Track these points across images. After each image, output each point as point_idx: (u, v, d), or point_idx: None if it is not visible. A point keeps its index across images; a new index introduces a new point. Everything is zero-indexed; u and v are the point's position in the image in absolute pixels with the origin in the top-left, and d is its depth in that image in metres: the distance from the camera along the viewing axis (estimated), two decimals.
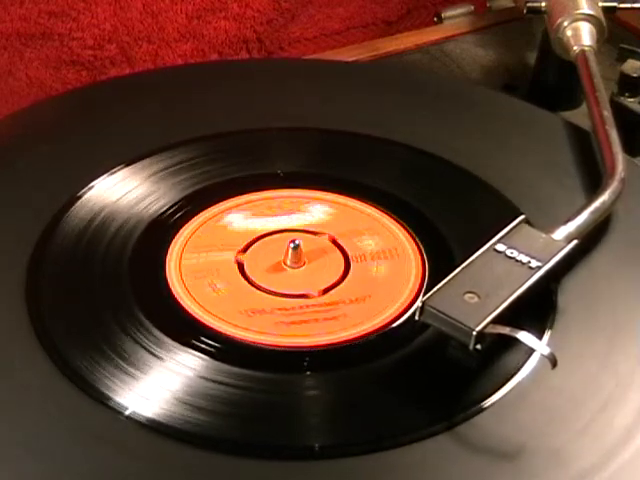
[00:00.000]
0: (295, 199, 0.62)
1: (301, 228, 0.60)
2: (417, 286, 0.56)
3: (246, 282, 0.56)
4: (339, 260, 0.58)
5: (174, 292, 0.55)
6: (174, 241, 0.58)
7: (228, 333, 0.53)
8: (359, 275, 0.57)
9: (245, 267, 0.57)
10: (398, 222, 0.60)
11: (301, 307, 0.55)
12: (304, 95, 0.71)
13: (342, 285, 0.56)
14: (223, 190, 0.62)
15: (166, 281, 0.56)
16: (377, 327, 0.54)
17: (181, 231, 0.59)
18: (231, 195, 0.62)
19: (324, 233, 0.59)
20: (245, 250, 0.58)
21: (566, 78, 0.76)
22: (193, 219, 0.60)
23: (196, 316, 0.54)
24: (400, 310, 0.55)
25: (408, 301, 0.55)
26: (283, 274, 0.57)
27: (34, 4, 0.81)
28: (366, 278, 0.57)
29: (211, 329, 0.53)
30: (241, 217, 0.60)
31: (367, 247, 0.59)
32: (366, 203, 0.62)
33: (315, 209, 0.61)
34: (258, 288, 0.56)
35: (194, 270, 0.56)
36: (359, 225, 0.60)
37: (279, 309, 0.54)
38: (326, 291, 0.56)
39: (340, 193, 0.62)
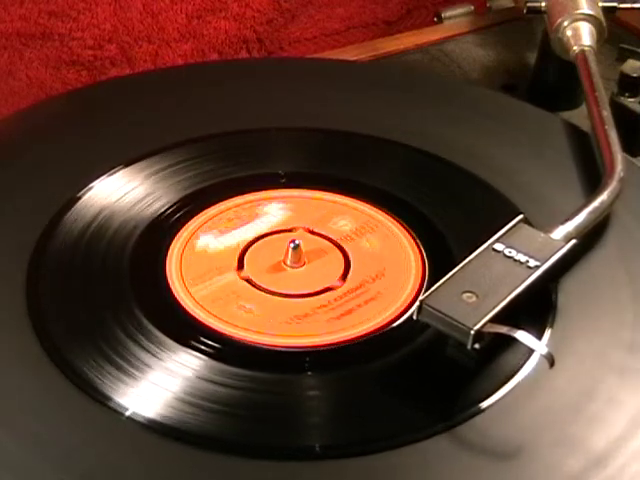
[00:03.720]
0: (247, 205, 0.61)
1: (272, 230, 0.60)
2: (417, 286, 0.56)
3: (269, 294, 0.56)
4: (334, 250, 0.58)
5: (174, 292, 0.55)
6: (174, 241, 0.58)
7: (228, 333, 0.53)
8: (359, 254, 0.58)
9: (254, 281, 0.56)
10: (398, 222, 0.60)
11: (336, 299, 0.55)
12: (304, 95, 0.71)
13: (353, 269, 0.57)
14: (223, 190, 0.62)
15: (166, 281, 0.56)
16: (377, 327, 0.54)
17: (181, 231, 0.59)
18: (231, 195, 0.62)
19: (297, 228, 0.60)
20: (240, 266, 0.57)
21: (566, 78, 0.76)
22: (192, 219, 0.60)
23: (196, 316, 0.54)
24: (400, 310, 0.55)
25: (408, 301, 0.55)
26: (289, 276, 0.57)
27: (34, 4, 0.81)
28: (367, 254, 0.58)
29: (211, 329, 0.53)
30: (212, 237, 0.59)
31: (344, 227, 0.59)
32: (366, 203, 0.62)
33: (271, 209, 0.61)
34: (284, 295, 0.55)
35: (213, 299, 0.55)
36: (323, 212, 0.61)
37: (319, 307, 0.54)
38: (344, 277, 0.56)
39: (340, 193, 0.62)
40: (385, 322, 0.54)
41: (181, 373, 0.50)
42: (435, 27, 0.88)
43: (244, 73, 0.75)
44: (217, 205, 0.61)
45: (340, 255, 0.58)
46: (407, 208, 0.61)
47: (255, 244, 0.59)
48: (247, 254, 0.58)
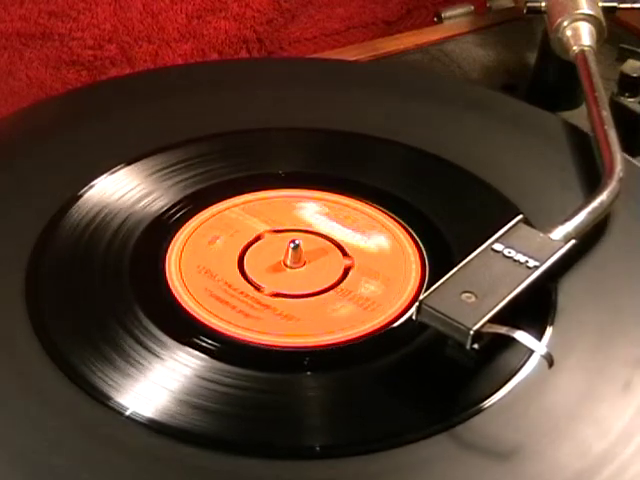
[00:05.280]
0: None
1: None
2: (417, 286, 0.56)
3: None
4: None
5: (174, 292, 0.55)
6: (174, 241, 0.58)
7: (228, 333, 0.53)
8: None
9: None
10: (398, 222, 0.60)
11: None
12: (304, 95, 0.71)
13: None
14: (223, 190, 0.62)
15: (166, 281, 0.56)
16: (377, 327, 0.54)
17: (181, 231, 0.59)
18: (231, 195, 0.62)
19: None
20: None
21: (566, 78, 0.76)
22: (192, 219, 0.60)
23: (196, 315, 0.54)
24: (400, 310, 0.55)
25: (408, 301, 0.55)
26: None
27: (34, 4, 0.81)
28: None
29: (211, 329, 0.53)
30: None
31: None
32: (366, 203, 0.62)
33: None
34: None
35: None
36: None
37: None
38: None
39: (340, 193, 0.62)
40: (385, 322, 0.54)
41: (181, 372, 0.50)
42: (435, 27, 0.88)
43: (244, 73, 0.75)
44: (217, 205, 0.61)
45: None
46: (407, 208, 0.61)
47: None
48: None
